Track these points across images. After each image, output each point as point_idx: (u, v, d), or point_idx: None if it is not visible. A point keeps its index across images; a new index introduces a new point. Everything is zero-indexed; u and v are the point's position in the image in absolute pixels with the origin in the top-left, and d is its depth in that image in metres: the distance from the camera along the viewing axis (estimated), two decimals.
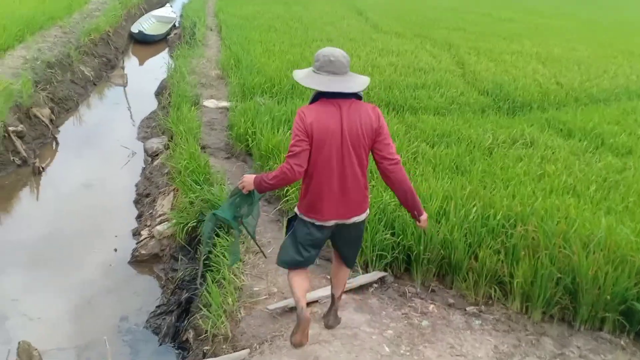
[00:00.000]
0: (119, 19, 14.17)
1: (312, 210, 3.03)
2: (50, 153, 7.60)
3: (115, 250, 5.58)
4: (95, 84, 10.75)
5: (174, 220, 5.25)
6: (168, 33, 15.61)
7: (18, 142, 7.02)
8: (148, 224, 5.90)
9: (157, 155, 7.49)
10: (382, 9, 19.29)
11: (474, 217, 4.36)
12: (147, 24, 15.76)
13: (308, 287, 3.37)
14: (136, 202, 6.55)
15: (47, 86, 8.80)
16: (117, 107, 9.89)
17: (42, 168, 6.96)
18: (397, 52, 11.73)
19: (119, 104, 10.08)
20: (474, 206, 4.55)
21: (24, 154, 7.01)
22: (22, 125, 7.26)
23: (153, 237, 5.57)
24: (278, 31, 12.64)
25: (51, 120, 8.24)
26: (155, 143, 7.72)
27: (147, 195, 6.52)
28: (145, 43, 14.63)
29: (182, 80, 8.81)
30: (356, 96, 3.00)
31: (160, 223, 5.66)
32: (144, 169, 7.32)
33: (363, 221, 3.17)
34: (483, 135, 6.92)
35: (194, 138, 6.52)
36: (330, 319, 3.50)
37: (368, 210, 3.18)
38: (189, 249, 5.10)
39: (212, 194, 5.08)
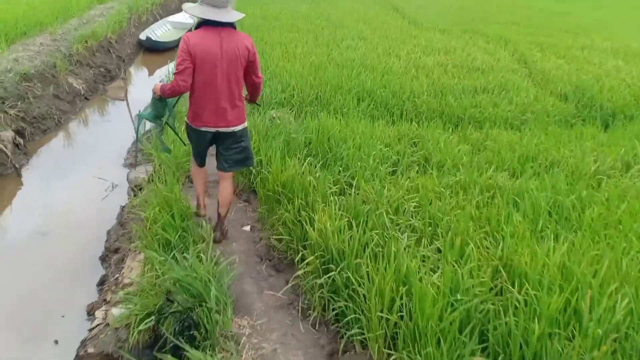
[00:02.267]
0: (123, 25, 12.58)
1: (196, 119, 3.76)
2: (5, 189, 5.92)
3: (56, 342, 3.83)
4: (87, 98, 9.12)
5: (129, 306, 3.43)
6: None
7: None
8: (108, 298, 4.11)
9: (141, 189, 5.73)
10: (419, 4, 17.29)
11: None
12: (161, 31, 14.22)
13: (205, 181, 4.32)
14: (103, 258, 4.79)
15: (18, 103, 7.18)
16: (108, 125, 8.21)
17: None
18: (444, 49, 9.76)
19: (111, 121, 8.40)
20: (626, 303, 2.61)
21: None
22: None
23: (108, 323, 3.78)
24: (301, 31, 10.82)
25: (17, 145, 6.59)
26: (141, 173, 5.96)
27: (117, 251, 4.74)
28: (156, 51, 13.00)
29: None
30: (232, 27, 3.60)
31: (120, 301, 3.86)
32: (122, 208, 5.55)
33: (241, 131, 3.84)
34: (582, 159, 4.91)
35: (177, 170, 4.73)
36: (217, 235, 4.06)
37: (245, 124, 3.88)
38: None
39: (185, 269, 3.25)
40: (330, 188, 4.16)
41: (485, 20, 14.25)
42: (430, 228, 3.67)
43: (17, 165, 6.19)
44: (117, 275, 4.34)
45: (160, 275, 3.38)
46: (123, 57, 11.62)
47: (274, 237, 3.96)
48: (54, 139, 7.44)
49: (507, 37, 11.44)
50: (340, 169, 4.58)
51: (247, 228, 4.31)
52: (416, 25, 13.03)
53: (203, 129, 3.74)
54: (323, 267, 3.31)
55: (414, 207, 3.93)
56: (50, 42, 9.59)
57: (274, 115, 6.10)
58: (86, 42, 10.39)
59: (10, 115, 6.90)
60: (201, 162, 4.12)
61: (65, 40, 9.97)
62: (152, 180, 4.80)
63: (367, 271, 3.06)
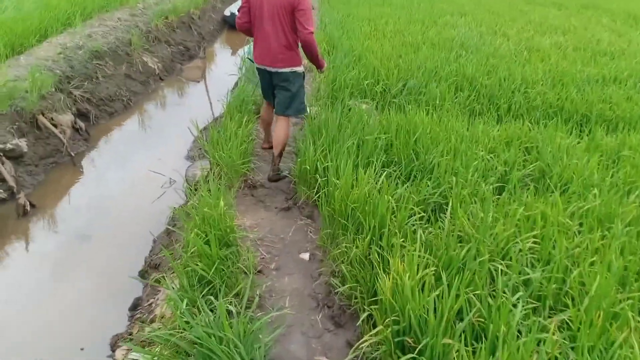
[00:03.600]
0: (207, 0, 12.03)
1: (254, 56, 4.23)
2: (55, 180, 5.44)
3: None
4: (161, 79, 8.62)
5: (147, 356, 2.66)
6: None
7: (4, 167, 4.92)
8: (134, 331, 3.41)
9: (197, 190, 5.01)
10: None
11: None
12: None
13: (269, 117, 4.75)
14: (142, 274, 4.11)
15: (85, 83, 6.74)
16: (180, 110, 7.62)
17: (31, 205, 4.80)
18: (561, 28, 8.24)
19: (184, 105, 7.81)
20: None
21: (12, 183, 4.89)
22: (18, 141, 5.16)
23: None
24: (393, 5, 9.65)
25: (78, 130, 6.13)
26: (200, 169, 5.24)
27: (157, 267, 4.04)
28: None
29: (249, 75, 6.28)
30: None
31: (145, 341, 3.13)
32: (174, 211, 4.86)
33: (287, 74, 4.15)
34: None
35: (231, 174, 3.92)
36: (270, 174, 4.41)
37: (295, 69, 4.15)
38: None
39: (207, 326, 2.42)
40: (414, 214, 3.16)
41: None
42: (554, 285, 2.58)
43: (72, 154, 5.70)
44: (152, 300, 3.65)
45: (181, 326, 2.58)
46: (204, 34, 11.07)
47: (336, 277, 3.03)
48: (119, 123, 6.95)
49: (636, 14, 9.60)
50: (429, 183, 3.55)
51: (306, 256, 3.43)
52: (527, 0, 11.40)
53: (257, 65, 4.24)
54: (397, 338, 2.35)
55: (530, 250, 2.85)
56: (128, 17, 9.18)
57: (355, 105, 5.15)
58: (166, 17, 9.93)
59: (74, 96, 6.45)
60: (266, 98, 4.56)
61: (144, 16, 9.55)
62: (201, 186, 4.02)
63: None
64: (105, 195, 5.23)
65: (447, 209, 3.19)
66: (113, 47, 7.83)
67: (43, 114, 5.66)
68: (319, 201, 3.69)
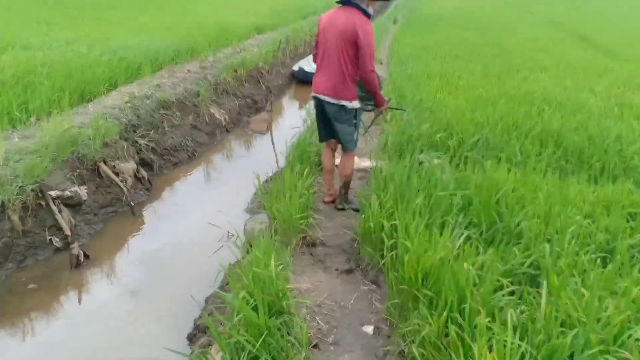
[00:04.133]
0: (277, 55, 12.17)
1: (313, 83, 4.28)
2: (113, 230, 5.28)
3: None
4: (227, 130, 8.58)
5: None
6: None
7: (62, 215, 4.81)
8: None
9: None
10: (614, 33, 14.66)
11: None
12: None
13: (329, 163, 4.53)
14: (190, 338, 3.75)
15: (151, 132, 6.72)
16: (245, 161, 7.46)
17: (85, 256, 4.62)
18: None
19: (249, 157, 7.66)
20: None
21: (68, 232, 4.75)
22: (77, 188, 5.07)
23: None
24: (465, 59, 9.29)
25: (140, 179, 6.04)
26: (258, 223, 4.93)
27: (205, 331, 3.67)
28: (309, 82, 12.40)
29: (313, 127, 6.03)
30: (354, 6, 3.90)
31: None
32: (230, 267, 4.52)
33: (338, 106, 4.08)
34: None
35: (289, 230, 3.56)
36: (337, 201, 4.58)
37: (348, 103, 4.05)
38: None
39: None
40: (501, 287, 2.64)
41: None
42: None
43: (132, 203, 5.56)
44: None
45: None
46: (272, 88, 11.10)
47: None
48: (183, 174, 6.84)
49: None
50: (516, 250, 3.03)
51: (369, 330, 2.95)
52: (612, 56, 10.72)
53: (313, 93, 4.24)
54: None
55: None
56: (198, 69, 9.31)
57: (426, 159, 4.73)
58: (235, 71, 10.02)
59: (139, 145, 6.41)
60: (322, 138, 4.49)
61: (214, 68, 9.67)
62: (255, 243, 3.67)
63: None
64: (162, 249, 5.00)
65: (541, 283, 2.65)
66: (181, 97, 7.87)
67: (105, 162, 5.60)
68: (385, 265, 3.24)
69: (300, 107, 11.19)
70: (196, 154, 7.41)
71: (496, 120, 5.54)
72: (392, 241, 3.20)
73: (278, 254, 3.08)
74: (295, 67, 12.47)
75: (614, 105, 6.34)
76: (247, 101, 9.84)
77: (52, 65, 7.14)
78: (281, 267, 3.03)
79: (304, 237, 3.94)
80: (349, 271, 3.55)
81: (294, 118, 9.52)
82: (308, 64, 13.07)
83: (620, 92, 7.04)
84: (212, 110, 8.54)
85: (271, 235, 3.55)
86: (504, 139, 5.11)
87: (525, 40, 12.33)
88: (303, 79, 12.42)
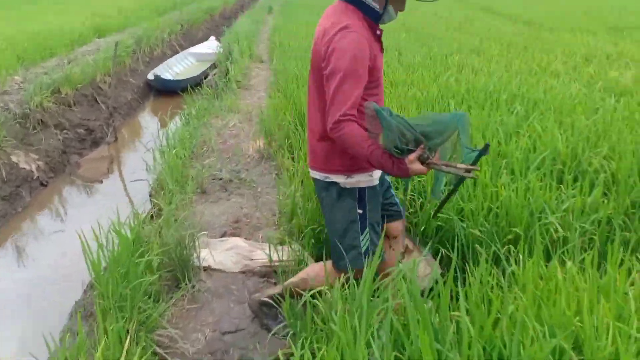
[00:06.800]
0: (125, 63, 9.25)
1: None
2: None
3: None
4: (43, 184, 5.68)
5: None
6: (206, 74, 10.43)
7: None
8: None
9: None
10: (519, 3, 13.32)
11: None
12: (181, 66, 11.01)
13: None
14: None
15: None
16: (58, 238, 4.66)
17: None
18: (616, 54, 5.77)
19: (64, 231, 4.85)
20: None
21: None
22: None
23: None
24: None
25: None
26: None
27: None
28: (173, 92, 9.43)
29: (165, 190, 3.45)
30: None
31: None
32: None
33: (318, 184, 2.22)
34: None
35: None
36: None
37: (324, 176, 2.15)
38: None
39: None
40: None
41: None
42: None
43: None
44: None
45: None
46: (118, 107, 8.19)
47: None
48: None
49: None
50: None
51: None
52: (534, 26, 9.05)
53: None
54: None
55: None
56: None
57: None
58: (58, 91, 7.06)
59: None
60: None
61: (22, 92, 6.64)
62: None
63: None
64: None
65: None
66: None
67: None
68: None
69: (162, 126, 8.27)
70: None
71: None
72: None
73: None
74: (151, 75, 9.61)
75: (598, 90, 4.37)
76: (77, 132, 6.92)
77: None
78: None
79: None
80: None
81: (151, 145, 6.70)
82: (168, 70, 10.28)
83: (595, 69, 5.14)
84: (14, 159, 5.59)
85: None
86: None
87: (433, 18, 10.41)
88: (162, 89, 9.60)
